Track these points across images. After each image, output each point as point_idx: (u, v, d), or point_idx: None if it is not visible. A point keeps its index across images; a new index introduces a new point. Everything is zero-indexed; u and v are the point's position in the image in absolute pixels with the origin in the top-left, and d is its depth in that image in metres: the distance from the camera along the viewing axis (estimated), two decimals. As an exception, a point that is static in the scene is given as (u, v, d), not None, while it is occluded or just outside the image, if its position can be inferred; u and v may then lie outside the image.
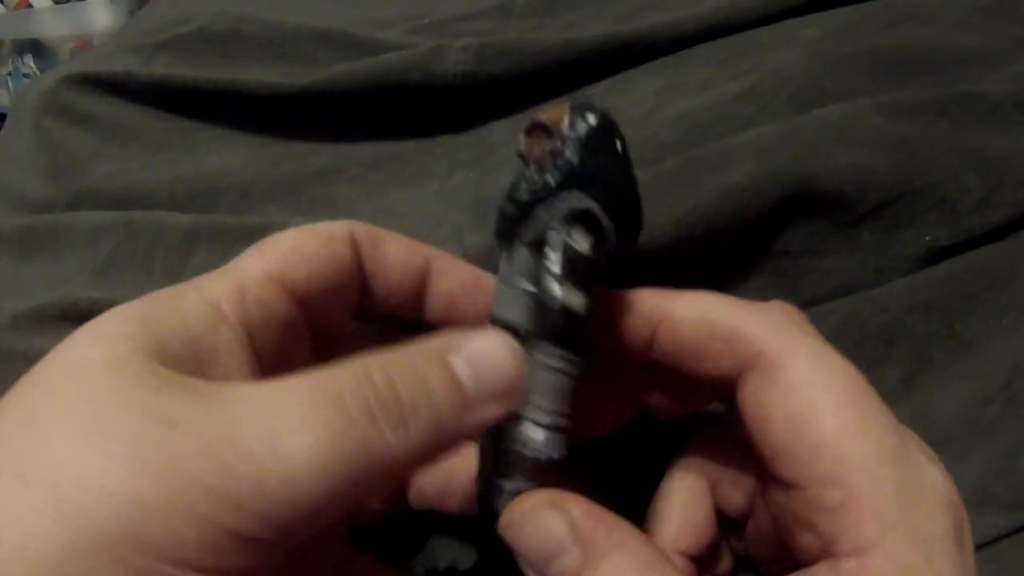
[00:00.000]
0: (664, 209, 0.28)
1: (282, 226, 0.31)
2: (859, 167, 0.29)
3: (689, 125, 0.30)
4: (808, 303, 0.30)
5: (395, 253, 0.25)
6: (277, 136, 0.35)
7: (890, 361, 0.29)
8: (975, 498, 0.26)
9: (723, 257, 0.29)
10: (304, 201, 0.33)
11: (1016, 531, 0.26)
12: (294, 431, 0.17)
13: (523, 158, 0.23)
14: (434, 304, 0.26)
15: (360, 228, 0.25)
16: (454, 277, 0.25)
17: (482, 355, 0.20)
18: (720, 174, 0.28)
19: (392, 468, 0.19)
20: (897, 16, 0.33)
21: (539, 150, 0.22)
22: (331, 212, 0.32)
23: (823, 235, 0.29)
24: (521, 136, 0.23)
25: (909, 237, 0.30)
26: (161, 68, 0.37)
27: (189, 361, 0.19)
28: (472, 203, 0.30)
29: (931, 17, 0.34)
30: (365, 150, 0.34)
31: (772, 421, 0.21)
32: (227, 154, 0.35)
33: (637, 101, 0.31)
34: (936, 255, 0.30)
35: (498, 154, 0.32)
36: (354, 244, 0.24)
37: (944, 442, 0.27)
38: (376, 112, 0.34)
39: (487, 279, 0.26)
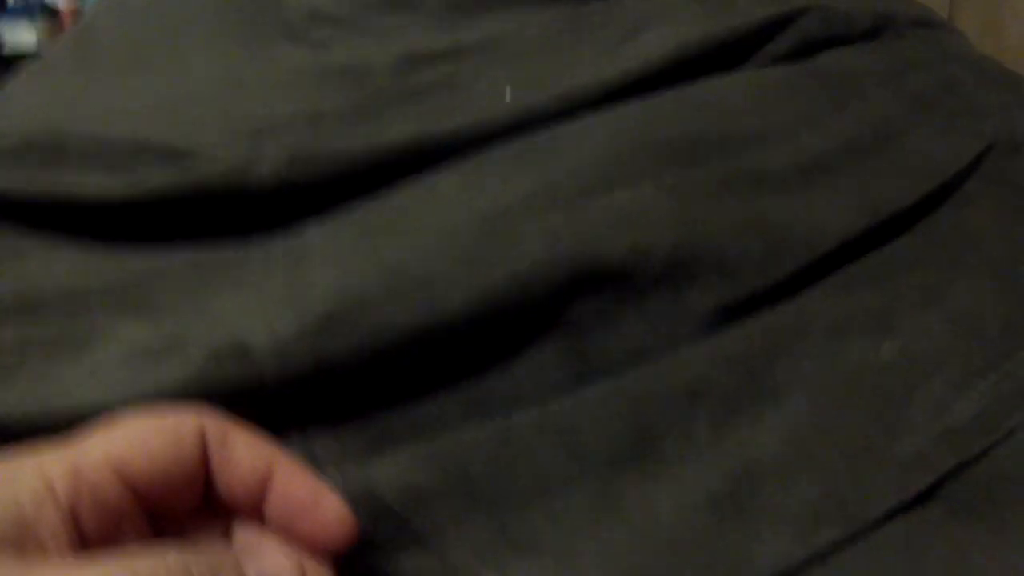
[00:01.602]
0: (457, 291, 0.30)
1: (108, 333, 0.32)
2: (640, 241, 0.32)
3: (490, 222, 0.33)
4: (604, 370, 0.32)
5: (242, 455, 0.27)
6: (101, 243, 0.35)
7: (698, 410, 0.31)
8: (808, 520, 0.29)
9: (514, 335, 0.32)
10: (128, 306, 0.33)
11: (847, 542, 0.29)
12: None
13: None
14: (272, 514, 0.27)
15: (211, 425, 0.27)
16: (294, 492, 0.27)
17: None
18: (509, 261, 0.31)
19: None
20: (688, 106, 0.37)
21: None
22: (155, 316, 0.33)
23: (611, 308, 0.32)
24: None
25: (694, 299, 0.33)
26: None
27: (15, 539, 0.22)
28: (286, 305, 0.31)
29: (721, 105, 0.37)
30: (185, 255, 0.34)
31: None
32: (53, 262, 0.35)
33: (439, 198, 0.34)
34: (726, 315, 0.33)
35: (313, 256, 0.33)
36: (203, 443, 0.26)
37: (769, 474, 0.30)
38: (194, 219, 0.35)
39: (328, 499, 0.27)
